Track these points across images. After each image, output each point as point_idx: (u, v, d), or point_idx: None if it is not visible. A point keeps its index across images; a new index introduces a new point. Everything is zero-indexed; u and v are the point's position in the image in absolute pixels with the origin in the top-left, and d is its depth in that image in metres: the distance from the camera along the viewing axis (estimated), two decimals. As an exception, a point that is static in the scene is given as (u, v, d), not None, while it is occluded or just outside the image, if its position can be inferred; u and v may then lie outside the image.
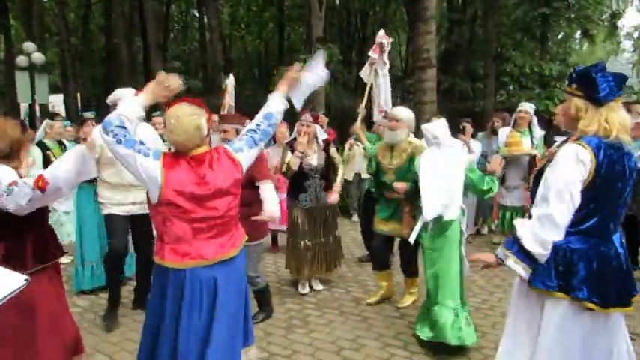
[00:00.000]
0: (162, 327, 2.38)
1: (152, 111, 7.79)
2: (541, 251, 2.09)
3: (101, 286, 4.76)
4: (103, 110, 5.55)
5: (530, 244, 2.09)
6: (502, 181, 5.98)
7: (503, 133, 6.04)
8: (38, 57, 12.05)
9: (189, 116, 2.34)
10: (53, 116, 6.05)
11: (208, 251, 2.38)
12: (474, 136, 6.79)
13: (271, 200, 3.68)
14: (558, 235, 2.08)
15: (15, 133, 2.61)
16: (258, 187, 3.76)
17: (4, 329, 2.45)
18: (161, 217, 2.35)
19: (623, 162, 2.10)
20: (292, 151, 4.56)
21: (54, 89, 16.83)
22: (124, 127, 2.31)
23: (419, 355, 3.55)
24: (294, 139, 4.71)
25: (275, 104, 2.68)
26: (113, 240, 4.06)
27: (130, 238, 4.26)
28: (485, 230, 7.14)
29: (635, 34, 23.03)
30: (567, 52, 18.33)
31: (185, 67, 24.17)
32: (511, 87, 17.39)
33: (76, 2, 23.30)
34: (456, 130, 6.79)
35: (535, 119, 5.89)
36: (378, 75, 5.03)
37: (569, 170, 2.07)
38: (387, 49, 5.01)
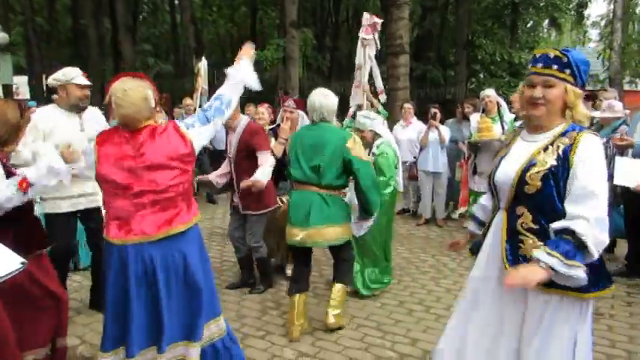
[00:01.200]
0: (117, 301, 2.40)
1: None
2: (597, 256, 1.85)
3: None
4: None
5: (596, 251, 1.83)
6: (474, 169, 6.12)
7: (474, 118, 6.15)
8: (2, 37, 11.63)
9: (135, 88, 2.33)
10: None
11: (151, 227, 2.35)
12: (442, 122, 6.90)
13: (264, 169, 4.02)
14: (607, 236, 1.88)
15: (14, 117, 2.62)
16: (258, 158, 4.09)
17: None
18: (104, 193, 2.41)
19: None
20: (276, 138, 4.54)
21: (18, 70, 16.28)
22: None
23: (390, 335, 3.64)
24: (279, 125, 4.71)
25: (225, 87, 2.66)
26: (57, 242, 3.42)
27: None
28: (456, 215, 7.29)
29: (602, 23, 23.59)
30: (536, 41, 18.67)
31: (156, 50, 23.69)
32: (482, 75, 17.65)
33: (41, -19, 22.50)
34: (426, 116, 6.90)
35: (504, 104, 6.02)
36: (367, 56, 5.08)
37: (604, 166, 1.95)
38: (378, 28, 5.08)
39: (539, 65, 2.05)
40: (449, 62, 19.43)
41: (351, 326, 3.75)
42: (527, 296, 2.01)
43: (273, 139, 4.58)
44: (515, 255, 2.05)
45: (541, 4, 17.62)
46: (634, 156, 4.57)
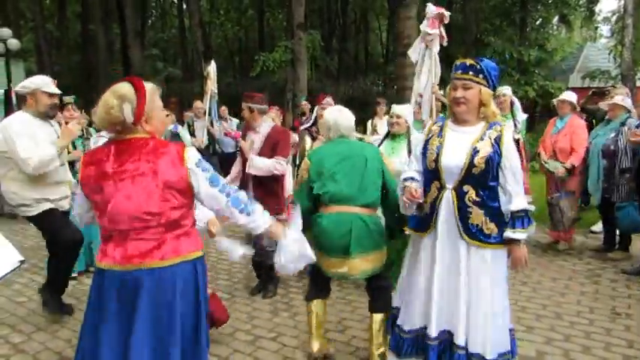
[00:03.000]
0: (90, 329, 2.18)
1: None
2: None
3: (80, 271, 4.92)
4: (78, 97, 5.42)
5: (530, 210, 2.62)
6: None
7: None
8: (14, 43, 11.82)
9: (106, 97, 2.08)
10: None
11: (123, 255, 2.09)
12: None
13: (265, 161, 4.02)
14: None
15: None
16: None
17: None
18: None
19: None
20: (313, 138, 4.48)
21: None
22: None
23: (402, 335, 3.61)
24: (313, 124, 4.69)
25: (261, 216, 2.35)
26: (65, 231, 3.75)
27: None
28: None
29: (613, 19, 23.36)
30: (545, 38, 18.49)
31: (164, 54, 23.87)
32: (491, 73, 17.49)
33: (51, -13, 22.79)
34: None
35: (518, 102, 5.97)
36: (430, 53, 4.40)
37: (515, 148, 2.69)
38: (446, 20, 4.42)
39: (459, 72, 2.62)
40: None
41: (363, 327, 3.73)
42: (469, 252, 2.64)
43: (308, 139, 4.54)
44: (466, 225, 2.63)
45: (550, 1, 17.46)
46: None
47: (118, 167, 2.08)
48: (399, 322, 2.90)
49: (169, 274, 2.11)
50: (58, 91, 3.74)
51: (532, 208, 2.62)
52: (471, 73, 2.58)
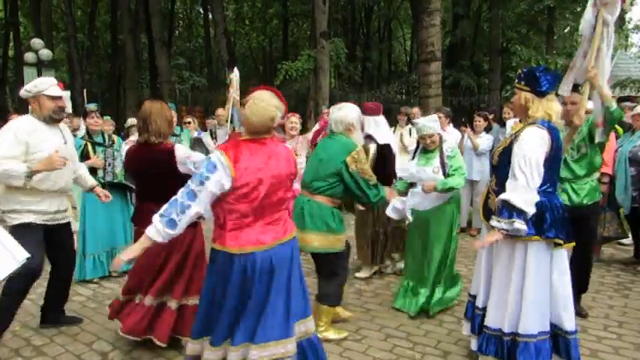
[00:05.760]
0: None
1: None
2: (532, 209, 2.72)
3: (102, 277, 4.97)
4: (107, 104, 5.47)
5: (526, 207, 2.69)
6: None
7: (510, 124, 6.02)
8: (46, 53, 12.14)
9: (269, 106, 2.47)
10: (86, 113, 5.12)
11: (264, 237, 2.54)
12: (488, 129, 6.74)
13: None
14: (536, 196, 2.72)
15: (170, 114, 3.28)
16: None
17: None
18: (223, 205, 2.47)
19: (559, 139, 2.86)
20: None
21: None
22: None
23: (420, 346, 3.55)
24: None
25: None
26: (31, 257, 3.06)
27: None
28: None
29: (643, 28, 22.81)
30: (573, 46, 18.16)
31: (190, 63, 24.24)
32: (517, 82, 17.29)
33: (83, -1, 23.43)
34: (461, 125, 6.76)
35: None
36: (606, 23, 3.41)
37: (537, 147, 2.74)
38: None
39: None
40: (482, 70, 19.12)
41: (381, 336, 3.68)
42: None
43: (373, 146, 4.60)
44: (486, 208, 3.04)
45: (578, 9, 17.16)
46: None
47: (268, 159, 2.50)
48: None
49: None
50: (62, 93, 3.59)
51: (530, 210, 2.72)
52: (516, 81, 2.99)
